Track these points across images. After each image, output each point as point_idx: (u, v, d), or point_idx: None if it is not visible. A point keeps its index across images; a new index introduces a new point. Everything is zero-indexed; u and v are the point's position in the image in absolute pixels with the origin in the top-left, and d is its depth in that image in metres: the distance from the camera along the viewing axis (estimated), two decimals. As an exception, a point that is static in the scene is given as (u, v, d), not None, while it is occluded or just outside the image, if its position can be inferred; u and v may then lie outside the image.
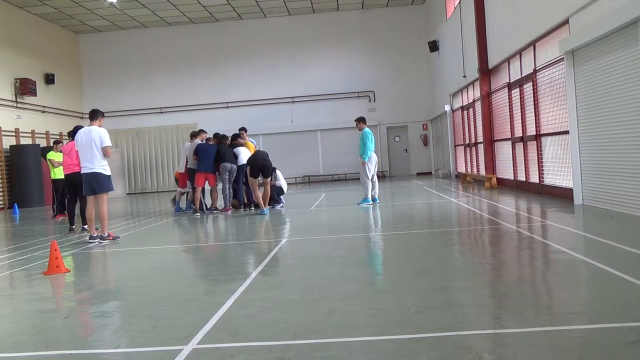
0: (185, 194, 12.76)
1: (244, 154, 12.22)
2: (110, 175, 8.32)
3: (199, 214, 11.87)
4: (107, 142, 8.22)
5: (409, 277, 4.92)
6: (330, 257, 6.14)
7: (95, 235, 8.26)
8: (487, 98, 15.25)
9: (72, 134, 9.77)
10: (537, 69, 11.40)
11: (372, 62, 25.20)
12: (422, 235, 7.44)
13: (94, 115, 8.39)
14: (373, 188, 11.90)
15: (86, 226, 9.36)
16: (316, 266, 5.66)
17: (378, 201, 11.93)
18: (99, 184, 8.15)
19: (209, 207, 12.34)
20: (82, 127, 9.71)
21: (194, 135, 12.67)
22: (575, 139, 9.26)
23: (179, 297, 4.68)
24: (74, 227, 10.04)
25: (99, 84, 25.51)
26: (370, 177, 11.80)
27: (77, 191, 9.59)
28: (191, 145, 12.34)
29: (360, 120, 12.09)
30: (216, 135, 12.62)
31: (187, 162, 12.24)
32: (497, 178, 14.52)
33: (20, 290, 5.52)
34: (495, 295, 4.22)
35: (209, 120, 23.52)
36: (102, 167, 8.17)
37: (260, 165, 11.33)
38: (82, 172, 8.25)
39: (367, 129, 11.90)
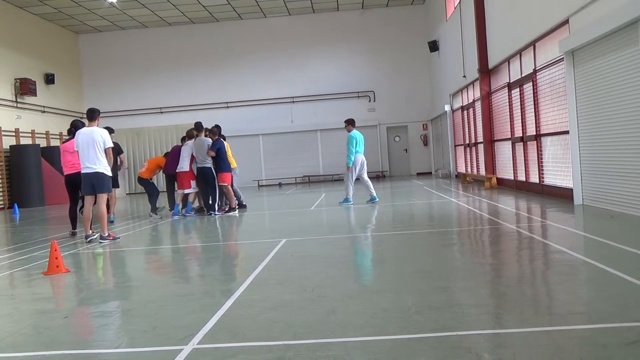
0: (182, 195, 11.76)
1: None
2: (111, 177, 8.35)
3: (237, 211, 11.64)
4: (110, 144, 8.25)
5: (409, 277, 4.91)
6: (330, 257, 6.14)
7: (92, 234, 8.25)
8: (487, 98, 15.25)
9: (72, 132, 9.22)
10: (537, 69, 11.39)
11: (372, 62, 25.19)
12: (422, 235, 7.44)
13: (94, 115, 8.29)
14: (368, 188, 12.00)
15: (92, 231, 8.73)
16: (316, 266, 5.65)
17: (377, 200, 11.95)
18: (101, 184, 8.15)
19: (191, 209, 11.70)
20: (80, 121, 9.67)
21: (199, 130, 11.59)
22: (575, 139, 9.26)
23: (179, 297, 4.68)
24: (76, 230, 9.64)
25: (99, 84, 25.51)
26: (353, 179, 12.03)
27: (77, 192, 9.14)
28: (204, 141, 11.31)
29: (349, 123, 12.10)
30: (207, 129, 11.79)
31: (191, 160, 11.44)
32: (497, 178, 14.52)
33: (20, 290, 5.52)
34: (495, 295, 4.22)
35: (209, 121, 23.15)
36: (105, 167, 8.19)
37: None
38: (82, 171, 8.24)
39: (354, 132, 11.92)
